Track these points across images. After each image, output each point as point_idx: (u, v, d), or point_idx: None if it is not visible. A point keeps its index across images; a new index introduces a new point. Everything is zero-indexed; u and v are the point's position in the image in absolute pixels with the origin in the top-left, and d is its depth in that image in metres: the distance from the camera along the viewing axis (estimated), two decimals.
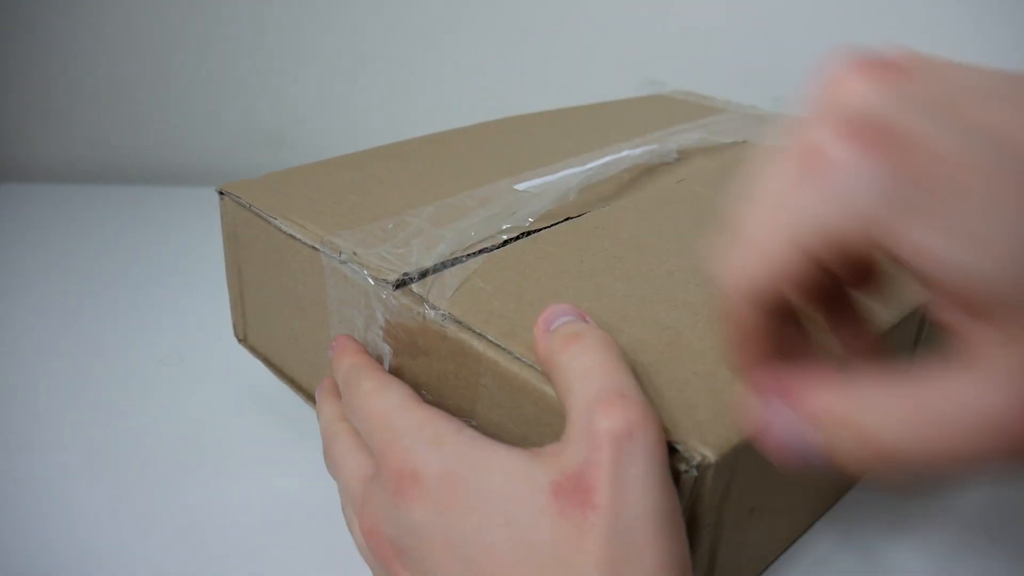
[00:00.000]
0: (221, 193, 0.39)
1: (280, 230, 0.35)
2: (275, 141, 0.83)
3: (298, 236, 0.35)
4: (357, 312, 0.33)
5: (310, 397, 0.38)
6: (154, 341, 0.50)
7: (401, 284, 0.31)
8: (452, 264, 0.32)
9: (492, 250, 0.34)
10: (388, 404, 0.28)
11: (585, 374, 0.24)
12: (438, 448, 0.25)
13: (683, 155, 0.47)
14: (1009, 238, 0.16)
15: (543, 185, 0.40)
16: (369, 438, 0.28)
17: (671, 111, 0.57)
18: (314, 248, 0.34)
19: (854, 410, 0.19)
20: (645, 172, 0.44)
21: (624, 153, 0.44)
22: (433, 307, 0.30)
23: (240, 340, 0.43)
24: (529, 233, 0.35)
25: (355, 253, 0.33)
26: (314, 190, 0.39)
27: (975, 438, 0.17)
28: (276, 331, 0.39)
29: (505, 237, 0.35)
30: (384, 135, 0.76)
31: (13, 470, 0.39)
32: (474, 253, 0.33)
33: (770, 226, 0.18)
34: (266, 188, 0.38)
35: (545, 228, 0.36)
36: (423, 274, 0.31)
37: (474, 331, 0.29)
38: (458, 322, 0.29)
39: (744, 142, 0.50)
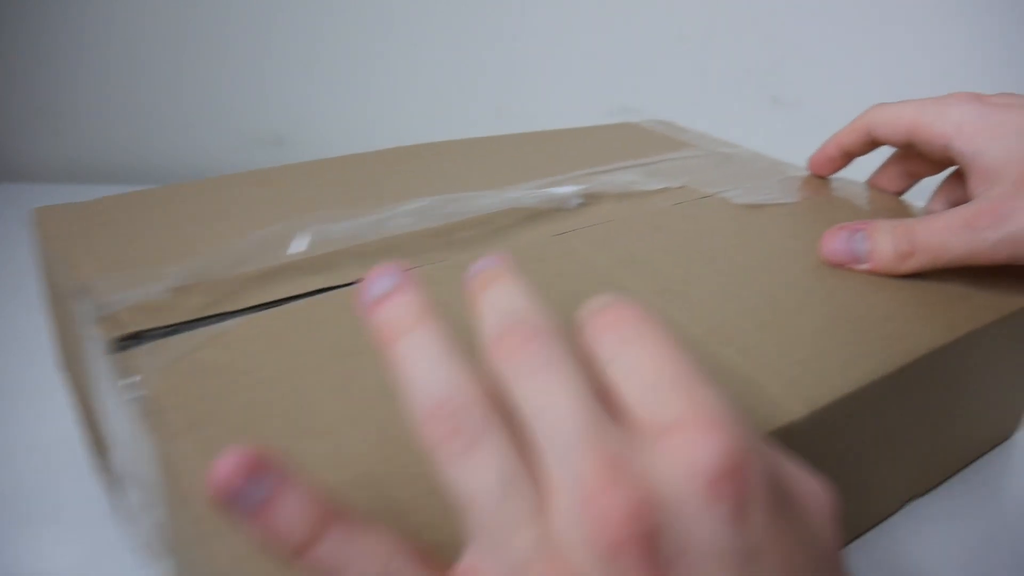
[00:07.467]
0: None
1: (46, 265, 0.32)
2: (275, 141, 0.82)
3: (56, 278, 0.31)
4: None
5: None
6: None
7: (120, 344, 0.26)
8: (181, 330, 0.27)
9: (251, 311, 0.28)
10: (670, 350, 0.18)
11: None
12: (757, 447, 0.17)
13: (592, 200, 0.39)
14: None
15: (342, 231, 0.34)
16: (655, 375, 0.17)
17: (626, 144, 0.49)
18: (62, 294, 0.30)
19: (912, 223, 0.33)
20: (528, 218, 0.37)
21: (504, 196, 0.38)
22: (123, 377, 0.25)
23: (61, 370, 0.39)
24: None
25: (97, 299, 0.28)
26: (120, 223, 0.35)
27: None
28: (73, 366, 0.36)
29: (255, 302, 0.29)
30: (383, 135, 0.74)
31: (13, 470, 0.38)
32: (224, 315, 0.28)
33: None
34: (74, 215, 0.35)
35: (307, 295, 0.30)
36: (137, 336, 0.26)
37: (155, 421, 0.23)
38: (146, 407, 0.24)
39: (681, 187, 0.42)
